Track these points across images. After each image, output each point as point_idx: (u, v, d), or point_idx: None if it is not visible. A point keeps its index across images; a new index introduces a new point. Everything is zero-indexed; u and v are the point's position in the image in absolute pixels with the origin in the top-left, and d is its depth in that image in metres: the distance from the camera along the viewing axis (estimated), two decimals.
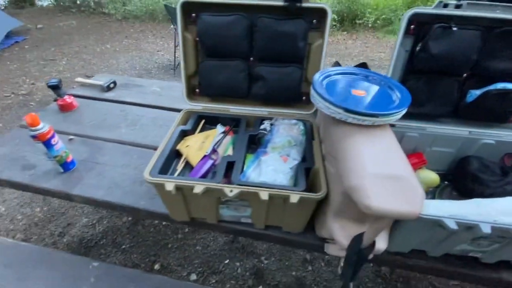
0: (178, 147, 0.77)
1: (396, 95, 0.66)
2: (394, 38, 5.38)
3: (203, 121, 0.86)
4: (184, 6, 0.75)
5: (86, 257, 0.98)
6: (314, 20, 0.75)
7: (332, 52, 4.66)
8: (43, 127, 0.82)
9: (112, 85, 1.40)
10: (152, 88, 1.44)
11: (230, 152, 0.77)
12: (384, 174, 0.52)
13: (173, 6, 3.08)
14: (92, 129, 1.13)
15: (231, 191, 0.60)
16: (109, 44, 4.54)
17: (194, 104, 0.87)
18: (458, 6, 0.67)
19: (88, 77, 2.86)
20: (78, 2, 6.49)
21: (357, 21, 5.86)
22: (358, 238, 0.57)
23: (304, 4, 0.70)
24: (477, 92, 0.74)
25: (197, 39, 0.79)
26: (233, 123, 0.86)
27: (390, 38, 5.41)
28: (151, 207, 0.82)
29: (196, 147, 0.76)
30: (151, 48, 4.45)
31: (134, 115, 1.23)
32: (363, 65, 0.98)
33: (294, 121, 0.83)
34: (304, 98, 0.85)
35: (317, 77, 0.70)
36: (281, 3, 0.72)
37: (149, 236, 1.48)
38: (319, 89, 0.66)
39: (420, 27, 0.72)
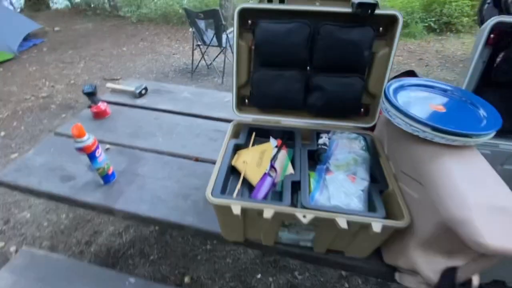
0: (234, 163, 0.72)
1: (482, 113, 0.60)
2: (410, 41, 5.26)
3: (254, 134, 0.81)
4: (242, 12, 0.70)
5: (121, 273, 0.94)
6: (381, 28, 0.70)
7: None
8: (88, 138, 0.78)
9: (143, 91, 1.36)
10: (183, 94, 1.41)
11: (290, 169, 0.71)
12: (491, 205, 0.46)
13: (193, 10, 3.06)
14: (128, 137, 1.10)
15: (304, 216, 0.55)
16: (125, 47, 4.56)
17: (243, 115, 0.82)
18: None
19: (114, 80, 2.87)
20: (93, 5, 6.59)
21: None
22: (451, 274, 0.51)
23: (376, 11, 0.65)
24: None
25: (253, 47, 0.74)
26: (285, 136, 0.80)
27: (407, 41, 5.31)
28: (199, 224, 0.77)
29: (253, 163, 0.71)
30: (166, 51, 4.46)
31: (169, 123, 1.19)
32: (410, 73, 0.91)
33: (354, 135, 0.77)
34: (362, 110, 0.80)
35: (390, 89, 0.65)
36: (348, 10, 0.67)
37: (177, 246, 1.44)
38: (396, 102, 0.60)
39: (501, 37, 0.66)
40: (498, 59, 0.67)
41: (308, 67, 0.76)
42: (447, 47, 5.02)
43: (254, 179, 0.69)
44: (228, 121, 1.19)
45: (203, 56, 3.50)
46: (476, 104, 0.62)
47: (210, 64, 3.77)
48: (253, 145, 0.79)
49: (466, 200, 0.46)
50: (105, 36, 5.09)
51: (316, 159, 0.73)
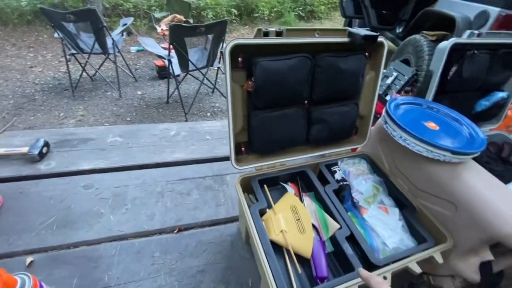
0: (272, 237, 0.57)
1: (465, 129, 0.70)
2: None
3: (266, 188, 0.68)
4: (234, 49, 0.54)
5: None
6: (367, 53, 0.69)
7: None
8: (23, 284, 0.46)
9: (45, 149, 0.94)
10: (108, 139, 1.05)
11: (333, 223, 0.60)
12: None
13: (54, 10, 2.32)
14: (55, 233, 0.73)
15: (385, 278, 0.50)
16: None
17: (244, 167, 0.67)
18: (479, 35, 0.75)
19: None
20: None
21: (254, 15, 6.10)
22: (488, 266, 0.60)
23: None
24: (486, 102, 0.88)
25: (249, 89, 0.59)
26: (296, 177, 0.73)
27: None
28: None
29: (293, 229, 0.59)
30: (17, 64, 3.29)
31: (110, 188, 0.87)
32: None
33: (356, 159, 0.77)
34: (354, 132, 0.80)
35: (391, 111, 0.67)
36: (345, 40, 0.62)
37: None
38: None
39: (453, 55, 0.77)
40: (451, 73, 0.79)
41: (305, 101, 0.69)
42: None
43: (306, 250, 0.56)
44: (192, 161, 1.00)
45: (84, 68, 2.77)
46: (457, 119, 0.72)
47: (94, 75, 3.06)
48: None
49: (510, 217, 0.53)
50: None
51: (341, 197, 0.69)
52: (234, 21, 5.75)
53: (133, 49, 3.93)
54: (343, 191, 0.68)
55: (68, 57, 2.65)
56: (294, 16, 6.59)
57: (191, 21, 3.88)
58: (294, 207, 0.63)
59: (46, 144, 0.94)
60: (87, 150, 0.99)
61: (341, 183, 0.69)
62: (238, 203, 0.72)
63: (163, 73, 3.14)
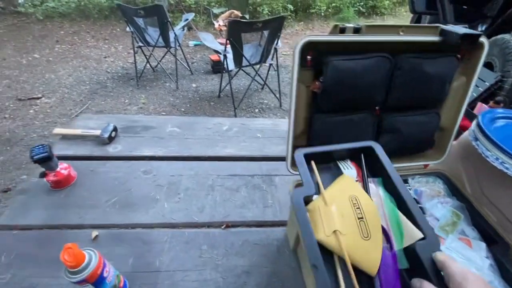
0: (320, 237, 0.41)
1: None
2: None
3: (314, 165, 0.51)
4: (305, 47, 0.50)
5: None
6: (459, 55, 0.59)
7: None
8: (90, 261, 0.49)
9: (113, 134, 1.02)
10: (167, 129, 1.11)
11: (411, 229, 0.42)
12: None
13: (129, 6, 2.55)
14: (118, 212, 0.79)
15: None
16: (37, 53, 3.66)
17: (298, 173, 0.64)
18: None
19: (34, 99, 2.34)
20: None
21: (310, 10, 5.91)
22: None
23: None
24: None
25: (316, 90, 0.55)
26: (356, 156, 0.54)
27: None
28: None
29: (354, 232, 0.41)
30: (95, 54, 3.73)
31: (166, 176, 0.91)
32: None
33: (430, 177, 0.67)
34: (431, 146, 0.70)
35: (484, 125, 0.56)
36: (434, 39, 0.53)
37: None
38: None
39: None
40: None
41: (377, 107, 0.62)
42: None
43: (369, 265, 0.40)
44: (242, 158, 0.99)
45: (148, 60, 3.01)
46: None
47: (156, 66, 3.31)
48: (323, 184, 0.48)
49: None
50: (3, 40, 3.98)
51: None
52: (289, 17, 5.66)
53: (191, 43, 4.14)
54: None
55: (135, 49, 2.90)
56: (353, 12, 6.22)
57: (247, 16, 3.92)
58: (356, 198, 0.44)
59: (115, 128, 1.03)
60: (148, 137, 1.05)
61: None
62: (290, 209, 0.69)
63: (217, 67, 3.25)
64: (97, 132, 1.00)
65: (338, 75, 0.52)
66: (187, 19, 2.98)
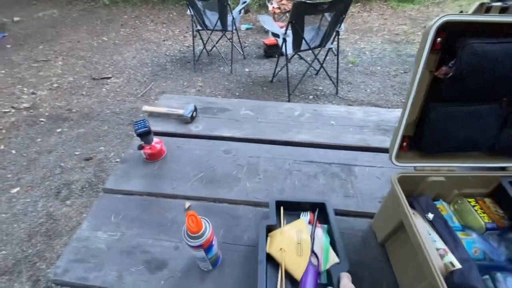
0: (270, 250, 0.64)
1: None
2: (410, 7, 5.06)
3: (282, 210, 0.73)
4: (442, 27, 0.46)
5: None
6: None
7: (351, 27, 4.32)
8: (206, 229, 0.54)
9: (194, 114, 1.08)
10: (241, 111, 1.14)
11: (332, 255, 0.63)
12: None
13: None
14: (205, 186, 0.85)
15: None
16: (105, 36, 4.00)
17: (404, 164, 0.61)
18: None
19: (105, 79, 2.52)
20: None
21: None
22: None
23: None
24: None
25: (442, 76, 0.51)
26: (317, 208, 0.73)
27: (405, 8, 5.08)
28: None
29: (292, 251, 0.63)
30: (155, 37, 3.95)
31: (244, 157, 0.94)
32: None
33: None
34: None
35: None
36: None
37: None
38: None
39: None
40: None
41: (505, 98, 0.55)
42: (447, 11, 4.86)
43: (297, 272, 0.60)
44: (318, 145, 0.97)
45: (205, 44, 3.10)
46: None
47: (211, 50, 3.38)
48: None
49: None
50: (77, 24, 4.42)
51: None
52: None
53: (243, 27, 4.14)
54: None
55: (194, 32, 2.99)
56: None
57: None
58: (300, 231, 0.67)
59: (195, 109, 1.09)
60: (225, 119, 1.10)
61: None
62: (385, 200, 0.66)
63: (271, 52, 3.21)
64: (180, 111, 1.06)
65: (477, 60, 0.47)
66: (245, 2, 2.96)
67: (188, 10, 2.80)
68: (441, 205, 0.64)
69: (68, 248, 0.72)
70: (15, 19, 4.53)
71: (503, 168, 0.63)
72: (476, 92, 0.52)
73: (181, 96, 1.21)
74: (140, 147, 0.90)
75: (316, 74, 2.91)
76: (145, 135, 0.85)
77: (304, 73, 2.67)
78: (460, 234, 0.60)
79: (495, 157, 0.62)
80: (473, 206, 0.61)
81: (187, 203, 0.80)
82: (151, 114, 1.12)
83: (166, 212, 0.78)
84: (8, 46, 3.77)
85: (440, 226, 0.57)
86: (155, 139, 0.93)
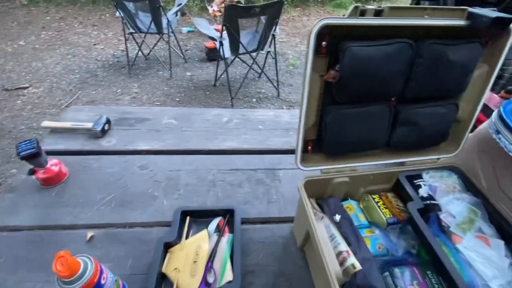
0: (164, 269, 0.60)
1: None
2: (344, 11, 5.50)
3: (188, 220, 0.71)
4: (321, 31, 0.45)
5: None
6: (484, 41, 0.54)
7: (292, 31, 4.50)
8: (86, 269, 0.45)
9: (107, 126, 0.96)
10: (163, 121, 1.05)
11: (228, 273, 0.60)
12: None
13: None
14: (113, 211, 0.75)
15: None
16: (22, 40, 3.48)
17: (309, 168, 0.60)
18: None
19: (21, 89, 2.27)
20: None
21: None
22: None
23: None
24: None
25: (330, 80, 0.50)
26: (227, 214, 0.72)
27: (340, 12, 5.49)
28: None
29: (187, 270, 0.59)
30: (83, 41, 3.57)
31: (164, 171, 0.86)
32: None
33: (445, 172, 0.64)
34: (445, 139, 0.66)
35: (508, 117, 0.52)
36: (460, 23, 0.49)
37: None
38: None
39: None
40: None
41: (392, 98, 0.57)
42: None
43: None
44: (244, 151, 0.94)
45: (140, 47, 2.89)
46: None
47: (148, 54, 3.18)
48: (188, 235, 0.68)
49: None
50: None
51: (424, 219, 0.57)
52: (285, 2, 5.49)
53: (184, 30, 4.00)
54: (430, 212, 0.57)
55: (127, 36, 2.78)
56: None
57: (242, 1, 3.78)
58: (199, 247, 0.64)
59: (108, 121, 0.97)
60: (144, 130, 1.00)
61: (428, 202, 0.57)
62: (298, 206, 0.65)
63: (212, 55, 3.15)
64: (89, 125, 0.94)
65: (357, 63, 0.47)
66: (180, 4, 2.84)
67: (118, 12, 2.58)
68: (350, 204, 0.65)
69: None
70: None
71: (402, 163, 0.67)
72: (363, 93, 0.53)
73: (92, 107, 1.08)
74: (31, 172, 0.75)
75: (259, 77, 2.94)
76: (34, 157, 0.72)
77: (244, 76, 2.67)
78: (366, 232, 0.61)
79: (392, 154, 0.65)
80: (377, 202, 0.64)
81: (90, 233, 0.69)
82: (54, 130, 0.97)
83: (62, 247, 0.66)
84: None
85: (345, 226, 0.57)
86: (53, 160, 0.79)
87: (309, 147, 0.61)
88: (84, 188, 0.79)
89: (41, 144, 0.76)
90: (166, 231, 0.70)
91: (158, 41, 3.03)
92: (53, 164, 0.78)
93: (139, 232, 0.70)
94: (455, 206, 0.57)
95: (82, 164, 0.86)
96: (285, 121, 1.11)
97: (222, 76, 2.77)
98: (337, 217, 0.58)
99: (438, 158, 0.67)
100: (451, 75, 0.54)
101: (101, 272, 0.49)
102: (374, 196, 0.65)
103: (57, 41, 3.51)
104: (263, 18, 2.28)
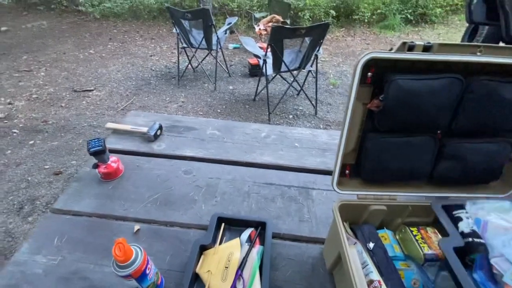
0: (198, 270, 0.65)
1: None
2: (391, 34, 5.34)
3: (223, 227, 0.75)
4: (368, 63, 0.48)
5: None
6: None
7: (335, 51, 4.49)
8: (136, 257, 0.52)
9: (159, 132, 1.07)
10: (208, 130, 1.14)
11: (257, 283, 0.62)
12: None
13: (177, 8, 2.68)
14: (158, 208, 0.83)
15: None
16: (92, 49, 4.00)
17: (346, 192, 0.61)
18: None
19: (87, 91, 2.50)
20: None
21: (353, 17, 5.73)
22: None
23: None
24: None
25: (374, 109, 0.52)
26: (256, 226, 0.75)
27: (387, 34, 5.36)
28: None
29: (218, 274, 0.63)
30: (142, 52, 3.99)
31: (205, 178, 0.93)
32: None
33: (506, 203, 0.60)
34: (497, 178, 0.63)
35: None
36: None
37: None
38: None
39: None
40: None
41: (439, 131, 0.57)
42: (425, 39, 5.13)
43: None
44: (280, 167, 0.97)
45: (190, 61, 3.14)
46: None
47: (197, 67, 3.43)
48: (222, 241, 0.72)
49: None
50: (65, 36, 4.43)
51: (467, 261, 0.54)
52: (331, 23, 5.54)
53: (231, 46, 4.24)
54: (473, 253, 0.54)
55: (180, 50, 3.04)
56: (399, 19, 5.90)
57: (288, 21, 3.91)
58: (232, 254, 0.67)
59: (160, 127, 1.08)
60: (190, 138, 1.09)
61: (470, 239, 0.54)
62: (331, 228, 0.66)
63: (255, 71, 3.28)
64: (145, 129, 1.05)
65: (402, 95, 0.49)
66: (230, 23, 3.05)
67: (174, 29, 2.86)
68: (385, 234, 0.64)
69: (2, 272, 0.67)
70: (2, 28, 4.50)
71: (445, 198, 0.64)
72: (406, 124, 0.54)
73: (148, 113, 1.21)
74: (95, 166, 0.87)
75: (298, 94, 2.98)
76: (100, 153, 0.84)
77: (284, 93, 2.73)
78: (401, 265, 0.60)
79: (435, 187, 0.63)
80: (415, 236, 0.62)
81: (136, 226, 0.77)
82: (115, 131, 1.11)
83: (114, 235, 0.75)
84: None
85: (379, 256, 0.57)
86: (113, 157, 0.91)
87: (347, 171, 0.62)
88: (135, 185, 0.89)
89: (105, 143, 0.88)
90: (202, 234, 0.76)
91: (206, 56, 3.26)
92: (113, 161, 0.89)
93: (178, 232, 0.77)
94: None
95: (135, 163, 0.97)
96: (321, 141, 1.12)
97: (262, 92, 2.87)
98: (371, 245, 0.58)
99: (487, 198, 0.63)
100: (504, 112, 0.52)
101: (147, 263, 0.55)
102: (412, 229, 0.63)
103: (120, 51, 3.97)
104: (307, 39, 2.35)
